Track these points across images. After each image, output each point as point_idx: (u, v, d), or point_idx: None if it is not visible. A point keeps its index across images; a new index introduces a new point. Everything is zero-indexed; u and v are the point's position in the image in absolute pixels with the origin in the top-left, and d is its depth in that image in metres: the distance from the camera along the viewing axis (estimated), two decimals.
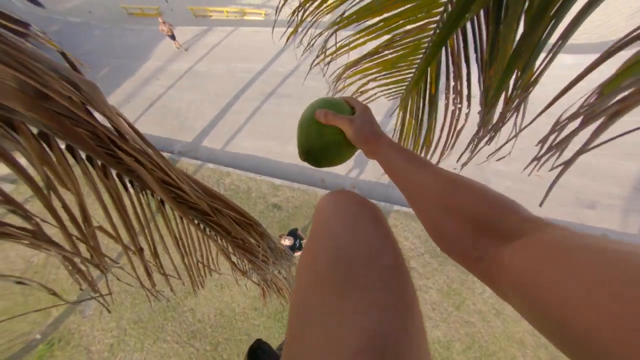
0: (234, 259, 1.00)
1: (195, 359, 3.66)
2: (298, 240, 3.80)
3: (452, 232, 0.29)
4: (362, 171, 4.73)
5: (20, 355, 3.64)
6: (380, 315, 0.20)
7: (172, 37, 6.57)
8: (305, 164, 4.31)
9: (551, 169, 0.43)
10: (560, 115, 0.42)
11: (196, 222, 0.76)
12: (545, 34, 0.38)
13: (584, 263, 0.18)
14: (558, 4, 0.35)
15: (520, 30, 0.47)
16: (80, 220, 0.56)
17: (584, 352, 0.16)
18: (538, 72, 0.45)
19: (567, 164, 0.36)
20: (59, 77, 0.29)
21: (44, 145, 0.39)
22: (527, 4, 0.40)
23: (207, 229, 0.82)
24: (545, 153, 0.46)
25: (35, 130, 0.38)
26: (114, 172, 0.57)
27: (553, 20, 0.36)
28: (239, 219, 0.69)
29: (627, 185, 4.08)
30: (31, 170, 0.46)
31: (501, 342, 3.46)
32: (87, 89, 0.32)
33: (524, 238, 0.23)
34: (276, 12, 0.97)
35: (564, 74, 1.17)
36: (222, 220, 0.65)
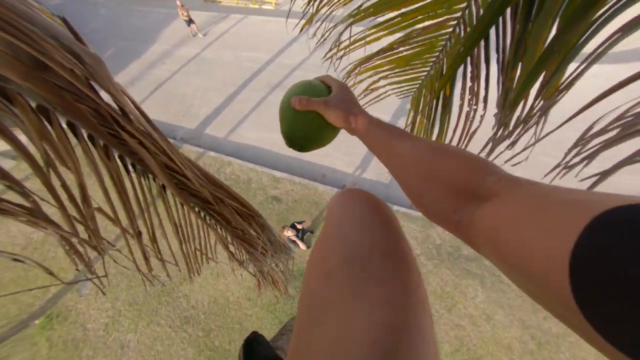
0: (232, 248, 0.99)
1: (187, 343, 3.71)
2: (300, 232, 3.81)
3: (434, 199, 0.30)
4: (364, 169, 4.70)
5: (26, 324, 3.79)
6: (394, 309, 0.20)
7: (190, 21, 6.39)
8: (307, 158, 4.28)
9: (582, 180, 0.41)
10: (594, 123, 0.39)
11: (197, 209, 0.74)
12: (585, 37, 0.35)
13: (549, 217, 0.18)
14: (607, 7, 0.32)
15: (554, 30, 0.44)
16: (79, 200, 0.54)
17: (555, 304, 0.16)
18: (572, 77, 0.42)
19: (606, 174, 0.34)
20: (59, 45, 0.27)
21: (43, 120, 0.37)
22: (564, 5, 0.37)
23: (208, 218, 0.80)
24: (579, 163, 0.44)
25: (34, 104, 0.36)
26: (116, 154, 0.55)
27: (597, 23, 0.33)
28: (240, 210, 0.68)
29: None
30: (31, 148, 0.44)
31: (489, 347, 3.50)
32: (92, 63, 0.30)
33: (496, 198, 0.24)
34: (291, 0, 0.93)
35: (583, 84, 1.12)
36: (224, 210, 0.64)
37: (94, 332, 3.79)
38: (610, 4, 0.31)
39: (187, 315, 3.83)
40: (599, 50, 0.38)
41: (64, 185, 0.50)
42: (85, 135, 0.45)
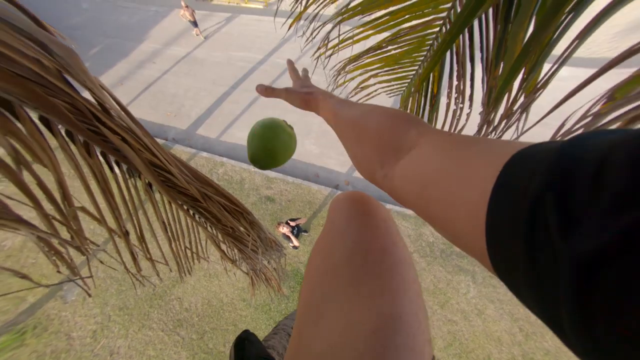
0: (223, 247, 0.98)
1: (180, 347, 3.64)
2: (295, 229, 3.80)
3: (365, 157, 0.31)
4: (356, 169, 4.72)
5: None
6: (394, 299, 0.22)
7: (194, 24, 6.22)
8: (301, 158, 4.27)
9: None
10: (567, 118, 0.41)
11: (185, 207, 0.73)
12: (557, 33, 0.36)
13: (464, 167, 0.18)
14: (574, 2, 0.33)
15: (530, 30, 0.46)
16: (59, 199, 0.53)
17: (469, 249, 0.17)
18: (547, 75, 0.44)
19: None
20: (10, 29, 0.25)
21: (5, 112, 0.35)
22: (540, 2, 0.38)
23: (197, 216, 0.79)
24: None
25: None
26: (97, 150, 0.54)
27: (568, 17, 0.35)
28: (228, 206, 0.67)
29: None
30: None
31: (480, 340, 3.58)
32: (61, 53, 0.29)
33: (415, 149, 0.24)
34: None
35: (560, 85, 1.17)
36: (212, 207, 0.63)
37: (79, 340, 3.64)
38: (575, 1, 0.32)
39: (180, 318, 3.77)
40: (571, 47, 0.40)
41: (41, 184, 0.48)
42: (62, 132, 0.44)
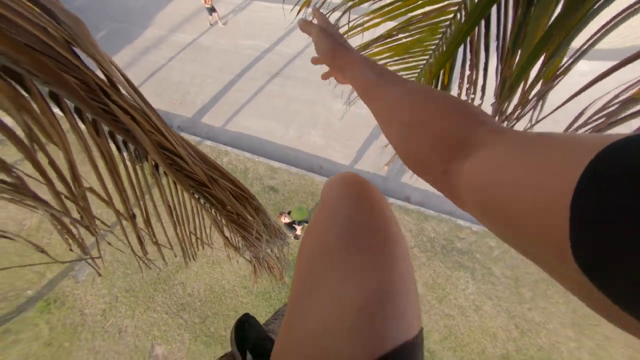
0: (227, 233, 0.99)
1: (183, 329, 3.77)
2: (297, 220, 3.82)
3: (418, 147, 0.28)
4: (361, 162, 4.70)
5: (24, 308, 3.84)
6: (383, 275, 0.22)
7: (212, 10, 6.02)
8: (305, 149, 4.23)
9: None
10: (584, 110, 0.39)
11: (191, 191, 0.74)
12: (589, 14, 0.34)
13: (543, 162, 0.16)
14: None
15: (556, 13, 0.43)
16: (69, 179, 0.53)
17: (554, 262, 0.15)
18: (570, 61, 0.42)
19: None
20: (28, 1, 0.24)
21: (17, 86, 0.35)
22: None
23: (202, 200, 0.80)
24: None
25: None
26: (106, 130, 0.54)
27: (598, 3, 0.32)
28: (235, 191, 0.67)
29: None
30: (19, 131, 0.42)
31: (475, 335, 3.64)
32: (68, 22, 0.28)
33: (485, 151, 0.22)
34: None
35: (579, 81, 1.12)
36: (218, 192, 0.63)
37: (91, 317, 3.84)
38: None
39: (184, 302, 3.88)
40: (597, 35, 0.38)
41: (52, 163, 0.48)
42: (71, 109, 0.43)
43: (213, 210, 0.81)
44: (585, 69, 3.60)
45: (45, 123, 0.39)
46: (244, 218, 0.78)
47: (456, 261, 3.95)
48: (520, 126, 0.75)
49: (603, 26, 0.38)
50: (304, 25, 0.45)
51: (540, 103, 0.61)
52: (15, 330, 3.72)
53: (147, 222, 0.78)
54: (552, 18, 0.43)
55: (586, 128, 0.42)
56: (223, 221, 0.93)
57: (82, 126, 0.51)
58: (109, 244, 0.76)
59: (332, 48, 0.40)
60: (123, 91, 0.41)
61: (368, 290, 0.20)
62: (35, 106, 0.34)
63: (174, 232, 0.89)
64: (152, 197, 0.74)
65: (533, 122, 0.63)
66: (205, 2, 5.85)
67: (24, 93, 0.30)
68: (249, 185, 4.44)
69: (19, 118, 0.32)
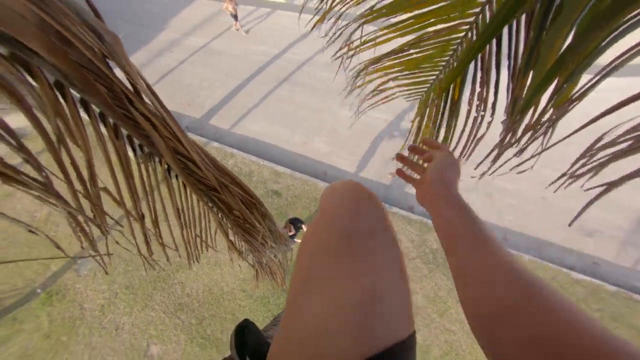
0: (231, 237, 1.00)
1: (180, 330, 3.75)
2: (299, 228, 3.82)
3: (507, 349, 0.22)
4: (365, 169, 4.70)
5: (30, 298, 3.93)
6: (376, 277, 0.23)
7: (235, 17, 6.22)
8: (310, 155, 4.25)
9: (587, 189, 0.42)
10: (604, 134, 0.40)
11: (200, 195, 0.75)
12: (605, 43, 0.34)
13: None
14: (626, 19, 0.32)
15: (568, 40, 0.44)
16: (87, 179, 0.55)
17: None
18: (585, 88, 0.42)
19: (612, 185, 0.34)
20: (82, 22, 0.27)
21: (59, 96, 0.37)
22: (587, 9, 0.37)
23: (210, 204, 0.81)
24: (584, 174, 0.44)
25: (52, 80, 0.37)
26: (124, 133, 0.56)
27: (614, 34, 0.33)
28: (243, 197, 0.68)
29: (634, 219, 4.03)
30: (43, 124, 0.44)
31: (477, 353, 3.53)
32: (110, 41, 0.31)
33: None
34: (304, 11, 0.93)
35: (596, 96, 1.06)
36: (228, 197, 0.64)
37: (90, 312, 3.85)
38: (634, 13, 0.30)
39: (182, 302, 3.87)
40: (616, 62, 0.38)
41: (73, 163, 0.50)
42: (96, 114, 0.46)
43: (220, 214, 0.82)
44: (608, 84, 3.55)
45: (73, 126, 0.41)
46: (250, 223, 0.79)
47: None
48: (531, 149, 0.75)
49: (632, 48, 0.36)
50: (430, 141, 0.47)
51: (551, 129, 0.62)
52: (20, 320, 3.78)
53: (155, 222, 0.79)
54: (565, 45, 0.44)
55: (608, 151, 0.42)
56: (228, 224, 0.94)
57: (102, 129, 0.54)
58: (117, 242, 0.77)
59: (447, 171, 0.38)
60: (146, 99, 0.43)
61: (361, 292, 0.21)
62: (67, 111, 0.36)
63: (180, 233, 0.90)
64: (161, 198, 0.76)
65: (543, 146, 0.63)
66: (228, 9, 5.98)
67: (62, 101, 0.33)
68: (253, 189, 4.46)
69: (54, 122, 0.34)
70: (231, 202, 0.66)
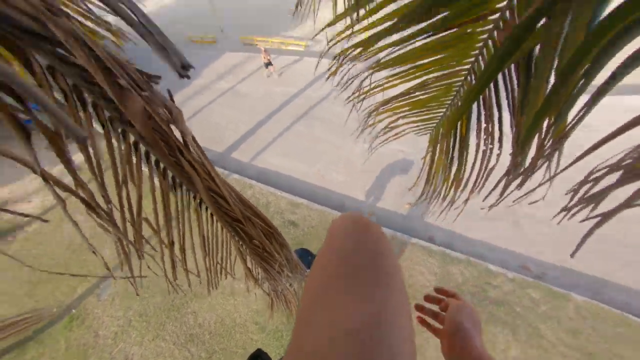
0: (249, 264, 1.05)
1: None
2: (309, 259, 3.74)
3: None
4: (382, 200, 4.66)
5: (56, 321, 4.10)
6: (376, 307, 0.24)
7: (268, 64, 7.17)
8: (327, 186, 4.31)
9: (582, 220, 0.43)
10: (595, 168, 0.42)
11: (226, 225, 0.83)
12: (576, 90, 0.40)
13: None
14: (588, 65, 0.37)
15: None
16: (135, 210, 0.66)
17: None
18: (574, 121, 0.46)
19: (606, 216, 0.36)
20: (162, 104, 0.39)
21: (134, 153, 0.49)
22: (555, 62, 0.43)
23: (233, 233, 0.88)
24: (576, 205, 0.45)
25: (131, 139, 0.49)
26: (170, 175, 0.67)
27: (583, 79, 0.38)
28: (264, 228, 0.75)
29: None
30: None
31: None
32: (175, 113, 0.42)
33: None
34: (320, 55, 1.10)
35: (621, 118, 1.07)
36: (250, 228, 0.72)
37: (103, 339, 3.86)
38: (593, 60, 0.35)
39: (193, 333, 3.78)
40: (590, 104, 0.42)
41: (127, 197, 0.62)
42: (152, 161, 0.57)
43: (241, 244, 0.89)
44: (613, 103, 3.42)
45: (135, 171, 0.53)
46: (269, 252, 0.85)
47: (490, 313, 3.46)
48: (539, 174, 0.77)
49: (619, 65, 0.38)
50: (443, 290, 0.52)
51: (558, 154, 0.64)
52: (43, 343, 3.90)
53: (182, 249, 0.87)
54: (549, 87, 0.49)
55: (605, 183, 0.43)
56: (247, 252, 1.00)
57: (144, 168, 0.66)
58: (149, 267, 0.86)
59: (465, 322, 0.43)
60: (192, 150, 0.54)
61: (361, 320, 0.23)
62: (134, 160, 0.47)
63: (203, 260, 0.97)
64: (190, 227, 0.85)
65: (552, 172, 0.65)
66: (264, 58, 7.03)
67: (134, 157, 0.44)
68: (270, 219, 4.53)
69: (124, 170, 0.45)
70: (252, 233, 0.73)
